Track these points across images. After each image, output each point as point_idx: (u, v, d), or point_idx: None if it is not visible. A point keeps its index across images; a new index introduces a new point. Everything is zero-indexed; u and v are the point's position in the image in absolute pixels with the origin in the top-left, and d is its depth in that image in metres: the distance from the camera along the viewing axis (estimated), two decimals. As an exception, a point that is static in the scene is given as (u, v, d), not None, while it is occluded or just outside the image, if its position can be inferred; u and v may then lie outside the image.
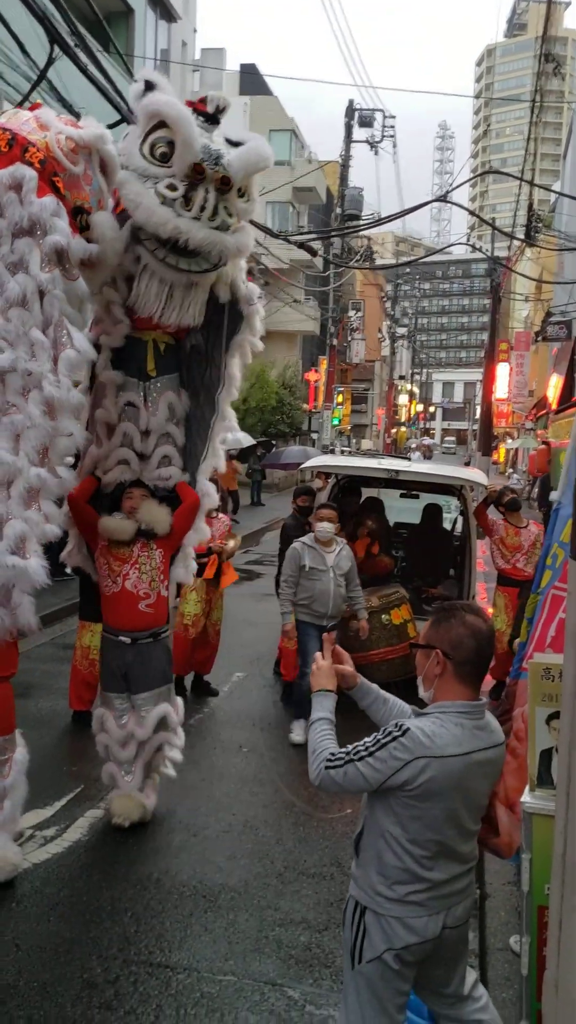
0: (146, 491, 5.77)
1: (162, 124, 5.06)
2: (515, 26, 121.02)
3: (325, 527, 7.44)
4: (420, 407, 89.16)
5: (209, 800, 6.20)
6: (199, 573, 8.20)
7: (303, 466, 12.20)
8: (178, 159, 5.04)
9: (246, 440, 24.28)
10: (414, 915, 2.87)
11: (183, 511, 5.84)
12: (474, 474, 10.89)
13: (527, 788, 3.18)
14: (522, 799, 3.16)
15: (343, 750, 2.89)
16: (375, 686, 3.33)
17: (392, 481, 9.71)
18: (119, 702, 5.74)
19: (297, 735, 7.26)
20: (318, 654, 3.20)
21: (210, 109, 5.35)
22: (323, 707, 3.07)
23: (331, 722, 3.04)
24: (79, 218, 4.85)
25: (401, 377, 71.68)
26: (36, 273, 4.72)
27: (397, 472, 9.22)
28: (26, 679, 7.80)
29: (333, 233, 23.76)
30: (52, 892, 4.87)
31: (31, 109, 5.04)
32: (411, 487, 10.92)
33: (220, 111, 5.40)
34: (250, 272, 23.69)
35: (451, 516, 11.56)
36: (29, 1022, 3.81)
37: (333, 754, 2.89)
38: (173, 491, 5.87)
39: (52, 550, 5.08)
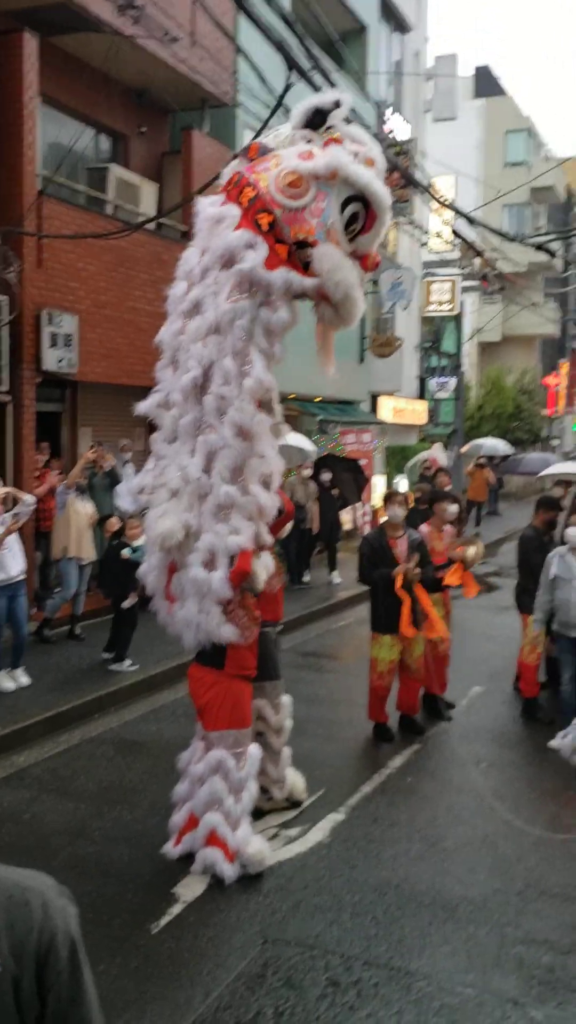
0: None
1: (357, 198, 4.98)
2: None
3: (572, 532, 7.41)
4: None
5: (448, 812, 6.19)
6: (436, 587, 7.88)
7: (541, 474, 11.88)
8: (369, 244, 5.14)
9: (504, 447, 23.94)
10: None
11: None
12: None
13: None
14: None
15: None
16: None
17: None
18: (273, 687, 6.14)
19: (556, 740, 7.27)
20: None
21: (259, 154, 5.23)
22: None
23: None
24: (302, 252, 4.97)
25: None
26: (220, 303, 5.05)
27: None
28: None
29: (573, 232, 22.92)
30: (297, 890, 5.06)
31: (327, 144, 5.06)
32: None
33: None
34: (484, 277, 23.20)
35: None
36: (277, 1013, 3.99)
37: None
38: None
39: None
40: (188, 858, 5.28)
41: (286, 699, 6.19)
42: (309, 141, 5.03)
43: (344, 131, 5.06)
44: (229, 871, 5.09)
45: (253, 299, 5.06)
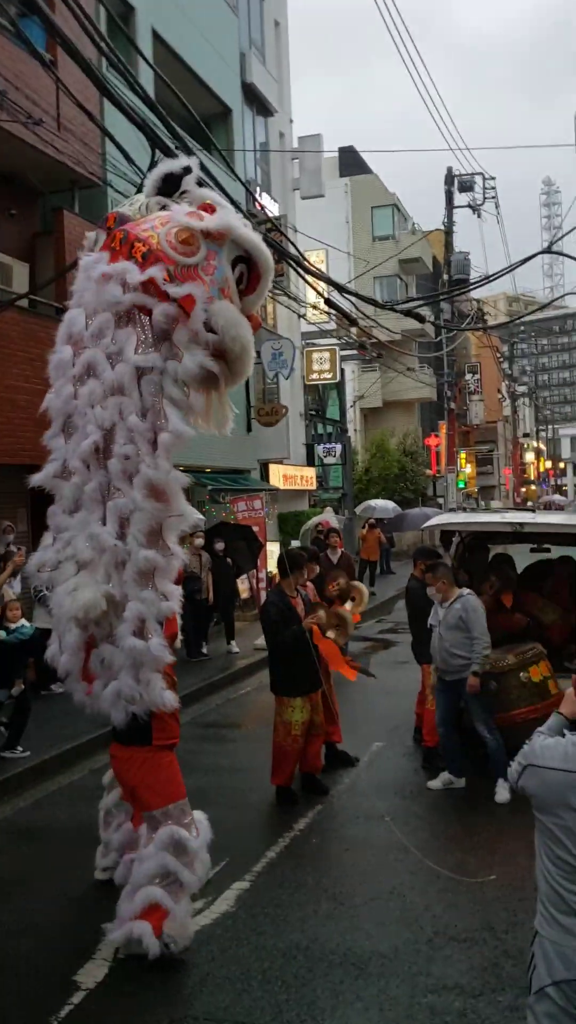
0: None
1: (243, 259, 5.09)
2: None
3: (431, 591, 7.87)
4: (549, 464, 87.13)
5: (354, 869, 6.11)
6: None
7: (425, 525, 12.13)
8: (253, 304, 5.23)
9: (393, 509, 24.44)
10: (567, 944, 2.79)
11: None
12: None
13: None
14: None
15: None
16: None
17: (520, 535, 9.52)
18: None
19: (502, 795, 7.30)
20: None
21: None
22: (548, 725, 3.13)
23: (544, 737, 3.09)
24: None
25: (526, 435, 70.46)
26: (129, 356, 4.94)
27: (522, 524, 9.06)
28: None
29: (441, 297, 23.91)
30: (203, 963, 4.88)
31: (203, 209, 5.11)
32: (539, 540, 10.67)
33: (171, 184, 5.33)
34: (362, 346, 23.84)
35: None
36: None
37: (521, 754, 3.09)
38: None
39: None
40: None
41: None
42: (163, 207, 5.09)
43: (199, 194, 5.15)
44: (154, 947, 4.80)
45: (160, 353, 4.97)
